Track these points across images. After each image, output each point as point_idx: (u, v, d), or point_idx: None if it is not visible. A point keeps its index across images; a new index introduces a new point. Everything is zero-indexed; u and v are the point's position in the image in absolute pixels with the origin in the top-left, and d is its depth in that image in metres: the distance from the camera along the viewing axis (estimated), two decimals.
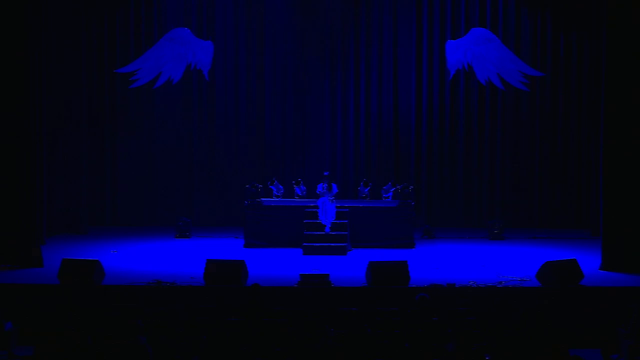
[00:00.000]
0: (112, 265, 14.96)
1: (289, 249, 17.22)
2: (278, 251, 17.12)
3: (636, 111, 15.01)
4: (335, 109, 20.71)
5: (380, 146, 20.70)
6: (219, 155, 20.79)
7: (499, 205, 20.48)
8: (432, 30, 20.45)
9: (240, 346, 9.92)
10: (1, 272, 14.75)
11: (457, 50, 20.21)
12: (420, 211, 19.82)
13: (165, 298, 12.87)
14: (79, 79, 19.67)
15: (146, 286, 13.61)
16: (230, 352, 9.70)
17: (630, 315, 11.42)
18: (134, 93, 20.54)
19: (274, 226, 17.67)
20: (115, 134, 20.60)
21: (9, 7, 15.30)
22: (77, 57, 19.62)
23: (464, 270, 15.09)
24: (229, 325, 11.06)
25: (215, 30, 20.52)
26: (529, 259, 16.09)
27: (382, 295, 13.17)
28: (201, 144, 20.74)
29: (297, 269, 14.59)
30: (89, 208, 20.01)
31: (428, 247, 17.81)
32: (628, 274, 14.73)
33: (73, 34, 19.52)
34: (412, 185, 18.43)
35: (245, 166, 20.64)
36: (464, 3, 20.27)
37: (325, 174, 17.75)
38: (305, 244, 16.97)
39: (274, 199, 18.28)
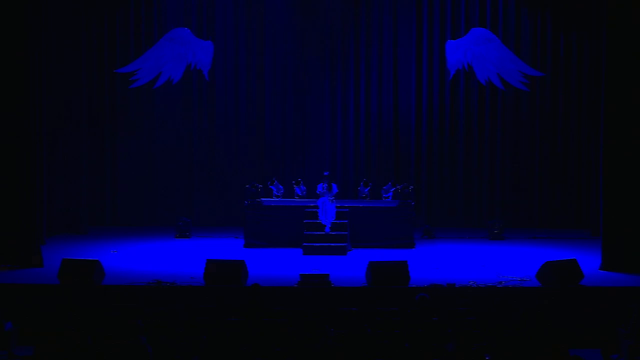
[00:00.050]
0: (112, 265, 14.96)
1: (289, 249, 17.22)
2: (278, 251, 17.12)
3: (636, 111, 15.01)
4: (335, 109, 20.71)
5: (380, 146, 20.70)
6: (219, 155, 20.79)
7: (499, 205, 20.48)
8: (432, 30, 20.45)
9: (240, 346, 9.92)
10: (1, 272, 14.75)
11: (457, 50, 20.21)
12: (420, 211, 19.82)
13: (165, 298, 12.87)
14: (79, 79, 19.67)
15: (146, 286, 13.61)
16: (230, 352, 9.70)
17: (630, 315, 11.42)
18: (134, 93, 20.54)
19: (274, 226, 17.67)
20: (115, 134, 20.60)
21: (9, 7, 15.30)
22: (77, 57, 19.62)
23: (464, 270, 15.09)
24: (229, 325, 11.05)
25: (215, 30, 20.52)
26: (529, 259, 16.09)
27: (382, 295, 13.17)
28: (201, 144, 20.74)
29: (297, 269, 14.59)
30: (89, 208, 20.01)
31: (428, 247, 17.81)
32: (628, 274, 14.73)
33: (73, 34, 19.52)
34: (412, 185, 18.43)
35: (245, 166, 20.64)
36: (464, 3, 20.27)
37: (325, 174, 17.75)
38: (305, 244, 16.97)
39: (274, 199, 18.28)
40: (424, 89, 20.56)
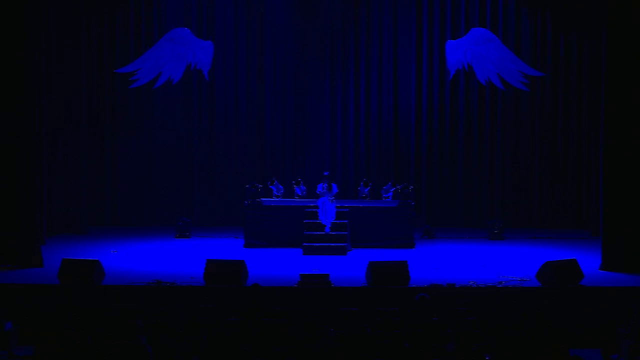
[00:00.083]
0: (112, 265, 14.96)
1: (289, 249, 17.22)
2: (278, 251, 17.12)
3: (636, 111, 15.01)
4: (335, 109, 20.71)
5: (380, 146, 20.70)
6: (219, 155, 20.79)
7: (499, 205, 20.48)
8: (432, 30, 20.45)
9: (240, 346, 9.92)
10: (1, 272, 14.75)
11: (457, 50, 20.21)
12: (420, 211, 19.82)
13: (165, 298, 12.87)
14: (79, 79, 19.67)
15: (146, 286, 13.60)
16: (230, 352, 9.70)
17: (630, 315, 11.42)
18: (134, 93, 20.55)
19: (274, 226, 17.67)
20: (115, 134, 20.60)
21: (9, 7, 15.30)
22: (77, 57, 19.61)
23: (464, 270, 15.09)
24: (229, 325, 11.05)
25: (215, 30, 20.52)
26: (529, 259, 16.09)
27: (382, 295, 13.16)
28: (201, 144, 20.74)
29: (297, 269, 14.58)
30: (89, 208, 20.01)
31: (428, 247, 17.80)
32: (628, 274, 14.73)
33: (73, 34, 19.52)
34: (412, 185, 18.43)
35: (245, 166, 20.64)
36: (464, 3, 20.27)
37: (325, 174, 17.75)
38: (305, 244, 16.97)
39: (274, 199, 18.28)
40: (424, 89, 20.56)
